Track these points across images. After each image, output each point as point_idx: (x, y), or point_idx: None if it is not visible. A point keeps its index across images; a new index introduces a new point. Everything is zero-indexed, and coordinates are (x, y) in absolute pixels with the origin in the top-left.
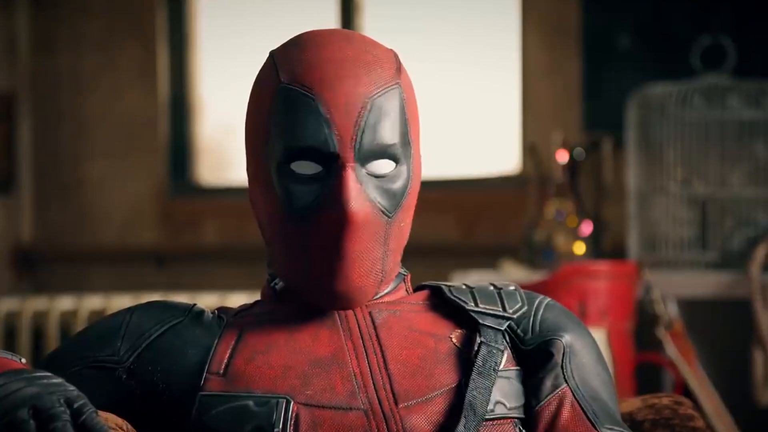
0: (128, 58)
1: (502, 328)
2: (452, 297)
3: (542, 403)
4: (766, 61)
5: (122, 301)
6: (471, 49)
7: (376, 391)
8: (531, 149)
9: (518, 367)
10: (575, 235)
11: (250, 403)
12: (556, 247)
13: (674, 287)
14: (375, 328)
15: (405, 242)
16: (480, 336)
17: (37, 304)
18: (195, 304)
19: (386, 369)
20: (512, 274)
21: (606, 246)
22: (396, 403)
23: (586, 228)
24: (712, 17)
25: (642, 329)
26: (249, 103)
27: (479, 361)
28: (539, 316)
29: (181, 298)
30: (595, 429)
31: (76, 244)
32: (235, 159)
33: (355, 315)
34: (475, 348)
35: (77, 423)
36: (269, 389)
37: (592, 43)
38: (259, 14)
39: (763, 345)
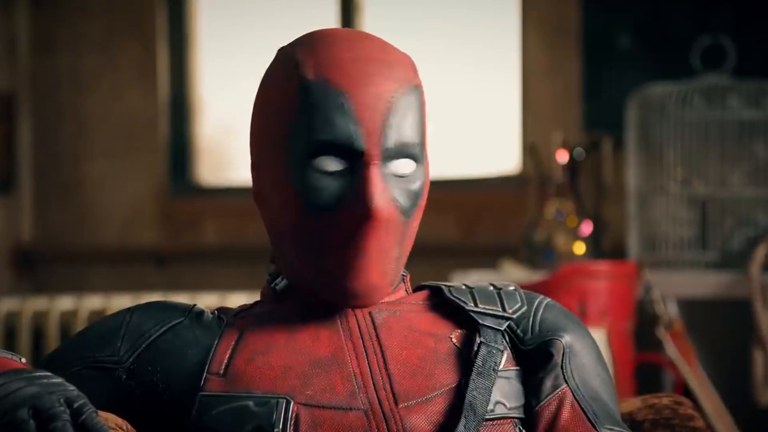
0: (128, 58)
1: (502, 329)
2: (452, 297)
3: (542, 403)
4: (766, 61)
5: (122, 301)
6: (471, 49)
7: (376, 391)
8: (531, 149)
9: (518, 367)
10: (575, 235)
11: (250, 403)
12: (556, 247)
13: (674, 287)
14: (375, 328)
15: (411, 245)
16: (480, 336)
17: (37, 304)
18: (195, 305)
19: (386, 369)
20: (512, 274)
21: (606, 246)
22: (396, 403)
23: (586, 228)
24: (712, 17)
25: (642, 329)
26: (261, 98)
27: (479, 361)
28: (539, 317)
29: (181, 298)
30: (595, 429)
31: (76, 244)
32: (235, 159)
33: (355, 315)
34: (475, 348)
35: (77, 423)
36: (269, 389)
37: (592, 43)
38: (259, 14)
39: (763, 345)
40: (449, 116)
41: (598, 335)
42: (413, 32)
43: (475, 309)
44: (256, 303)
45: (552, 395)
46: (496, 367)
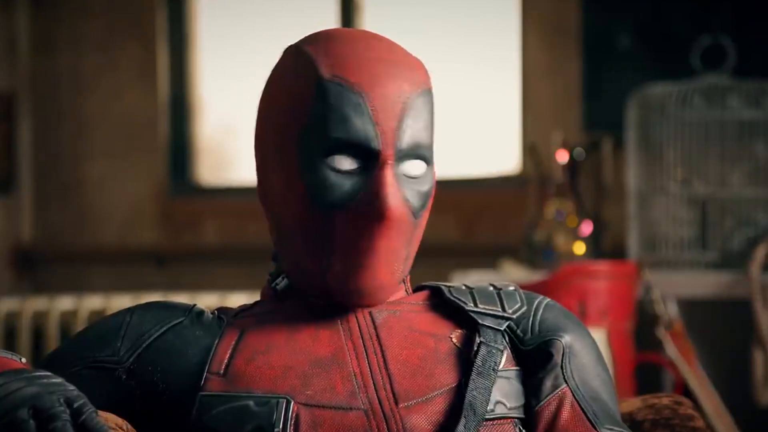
0: (128, 58)
1: (502, 329)
2: (452, 297)
3: (542, 403)
4: (766, 61)
5: (122, 301)
6: (471, 49)
7: (376, 391)
8: (531, 149)
9: (518, 368)
10: (575, 235)
11: (251, 403)
12: (556, 247)
13: (674, 287)
14: (375, 328)
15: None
16: (479, 336)
17: (37, 304)
18: (195, 305)
19: (386, 369)
20: (512, 274)
21: (606, 246)
22: (396, 403)
23: (586, 228)
24: (712, 17)
25: (642, 329)
26: (271, 96)
27: (479, 361)
28: (539, 317)
29: (181, 298)
30: (595, 429)
31: (76, 244)
32: (235, 159)
33: (355, 315)
34: (475, 348)
35: (77, 423)
36: (269, 389)
37: (592, 43)
38: (259, 14)
39: (763, 345)
40: (449, 116)
41: (598, 335)
42: (413, 32)
43: (475, 309)
44: (256, 303)
45: (552, 395)
46: (496, 367)
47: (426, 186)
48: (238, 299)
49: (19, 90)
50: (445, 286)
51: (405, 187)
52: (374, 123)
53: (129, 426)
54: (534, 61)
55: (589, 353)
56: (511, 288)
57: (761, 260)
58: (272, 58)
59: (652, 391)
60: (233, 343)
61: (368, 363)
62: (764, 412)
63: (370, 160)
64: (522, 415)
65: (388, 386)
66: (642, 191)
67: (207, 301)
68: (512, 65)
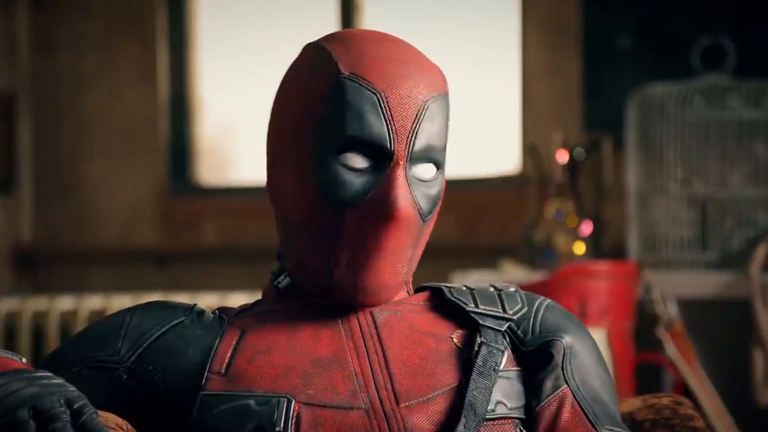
0: (128, 58)
1: (503, 329)
2: (453, 298)
3: (542, 403)
4: (766, 61)
5: (122, 301)
6: (471, 49)
7: (377, 390)
8: (531, 149)
9: (519, 368)
10: (575, 235)
11: (252, 402)
12: (556, 247)
13: (674, 287)
14: (376, 327)
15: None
16: (480, 336)
17: (37, 304)
18: (196, 304)
19: (387, 369)
20: (512, 274)
21: (606, 246)
22: (397, 403)
23: (586, 228)
24: (712, 17)
25: (642, 329)
26: (287, 90)
27: (479, 361)
28: (539, 318)
29: (181, 298)
30: (596, 430)
31: (76, 244)
32: (235, 159)
33: (356, 315)
34: (476, 348)
35: (77, 424)
36: (270, 389)
37: (592, 43)
38: (259, 14)
39: (763, 345)
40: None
41: (598, 335)
42: (413, 32)
43: (476, 310)
44: (257, 302)
45: (552, 396)
46: (496, 368)
47: (435, 190)
48: (238, 299)
49: (19, 90)
50: (446, 286)
51: (415, 189)
52: (389, 123)
53: (129, 426)
54: (534, 61)
55: (589, 354)
56: (512, 289)
57: (761, 260)
58: (272, 58)
59: (652, 391)
60: (234, 342)
61: (369, 363)
62: (764, 412)
63: (383, 159)
64: (522, 416)
65: (389, 386)
66: (642, 191)
67: (207, 301)
68: (512, 65)
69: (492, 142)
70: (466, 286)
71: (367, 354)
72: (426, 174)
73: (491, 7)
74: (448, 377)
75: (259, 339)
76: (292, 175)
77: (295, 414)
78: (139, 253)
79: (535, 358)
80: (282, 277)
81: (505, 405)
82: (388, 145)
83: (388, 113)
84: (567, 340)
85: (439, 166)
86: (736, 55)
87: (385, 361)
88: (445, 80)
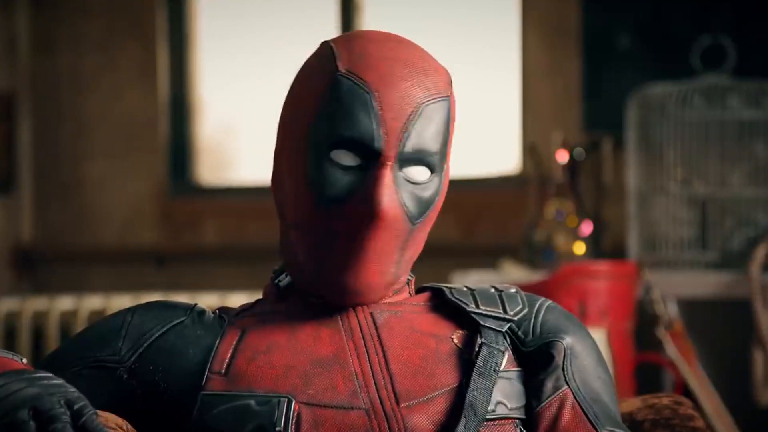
0: (128, 58)
1: (503, 330)
2: (453, 299)
3: (543, 404)
4: (766, 61)
5: (122, 301)
6: (471, 49)
7: (377, 390)
8: (531, 149)
9: (519, 369)
10: (575, 235)
11: (252, 402)
12: (556, 247)
13: (674, 287)
14: (376, 328)
15: (419, 253)
16: (481, 337)
17: (37, 304)
18: (196, 304)
19: (388, 369)
20: (512, 274)
21: (606, 246)
22: (397, 403)
23: (586, 228)
24: (712, 17)
25: (642, 329)
26: (294, 87)
27: (480, 361)
28: (540, 318)
29: (181, 298)
30: (596, 430)
31: (76, 244)
32: (235, 159)
33: (357, 315)
34: (476, 349)
35: (77, 424)
36: (271, 389)
37: (592, 43)
38: (259, 14)
39: (763, 345)
40: None
41: (598, 335)
42: (413, 32)
43: (477, 310)
44: (257, 302)
45: (553, 396)
46: (497, 368)
47: (428, 193)
48: (238, 299)
49: (19, 90)
50: (447, 287)
51: (403, 190)
52: (379, 122)
53: (129, 426)
54: (534, 61)
55: (590, 355)
56: (513, 290)
57: (761, 260)
58: (272, 58)
59: (652, 391)
60: (234, 342)
61: (369, 363)
62: (764, 412)
63: (371, 159)
64: (523, 416)
65: (389, 386)
66: (642, 191)
67: (207, 301)
68: (512, 65)
69: (492, 142)
70: (466, 287)
71: (368, 354)
72: (418, 176)
73: (491, 7)
74: (449, 377)
75: (260, 339)
76: (289, 170)
77: (295, 414)
78: (139, 253)
79: (536, 359)
80: (283, 275)
81: (506, 405)
82: (376, 144)
83: (380, 112)
84: (567, 341)
85: (433, 169)
86: (736, 55)
87: (386, 361)
88: (449, 84)
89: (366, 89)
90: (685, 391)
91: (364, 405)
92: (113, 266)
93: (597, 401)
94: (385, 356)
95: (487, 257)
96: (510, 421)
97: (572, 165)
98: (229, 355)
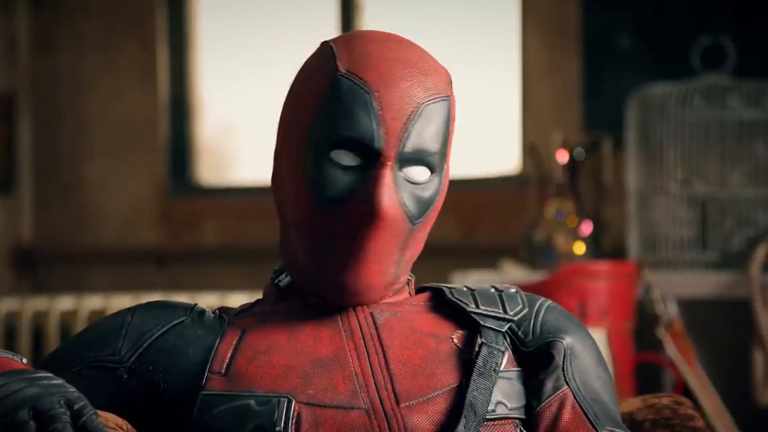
0: (128, 58)
1: (503, 330)
2: (453, 299)
3: (543, 404)
4: (766, 61)
5: (122, 301)
6: (471, 49)
7: (377, 390)
8: (531, 149)
9: (519, 369)
10: (575, 235)
11: (252, 402)
12: (556, 247)
13: (674, 287)
14: (376, 328)
15: (419, 253)
16: (481, 337)
17: (37, 304)
18: (196, 304)
19: (387, 369)
20: (512, 274)
21: (606, 246)
22: (397, 403)
23: (586, 228)
24: (712, 17)
25: (642, 329)
26: (294, 87)
27: (480, 361)
28: (540, 318)
29: (181, 298)
30: (596, 430)
31: (76, 244)
32: (235, 159)
33: (357, 315)
34: (476, 349)
35: (77, 424)
36: (271, 389)
37: (592, 43)
38: (259, 14)
39: (763, 345)
40: None
41: (598, 335)
42: (413, 32)
43: (477, 310)
44: (257, 302)
45: (553, 396)
46: (497, 368)
47: (428, 193)
48: (238, 299)
49: (19, 90)
50: (447, 287)
51: (403, 190)
52: (379, 123)
53: (129, 426)
54: (534, 61)
55: (590, 355)
56: (513, 290)
57: (761, 260)
58: (272, 58)
59: (652, 391)
60: (234, 342)
61: (369, 363)
62: (764, 412)
63: (371, 159)
64: (523, 416)
65: (389, 386)
66: (642, 191)
67: (207, 301)
68: (512, 65)
69: (492, 142)
70: (466, 287)
71: (368, 354)
72: (418, 176)
73: (491, 7)
74: (449, 377)
75: (260, 339)
76: (289, 170)
77: (295, 414)
78: (139, 253)
79: (536, 359)
80: (283, 275)
81: (506, 405)
82: (376, 145)
83: (379, 113)
84: (567, 341)
85: (433, 169)
86: (736, 55)
87: (386, 361)
88: (449, 84)
89: (366, 89)
90: (685, 391)
91: (364, 405)
92: (113, 266)
93: (597, 401)
94: (385, 356)
95: (487, 257)
96: (510, 421)
97: (572, 165)
98: (229, 355)
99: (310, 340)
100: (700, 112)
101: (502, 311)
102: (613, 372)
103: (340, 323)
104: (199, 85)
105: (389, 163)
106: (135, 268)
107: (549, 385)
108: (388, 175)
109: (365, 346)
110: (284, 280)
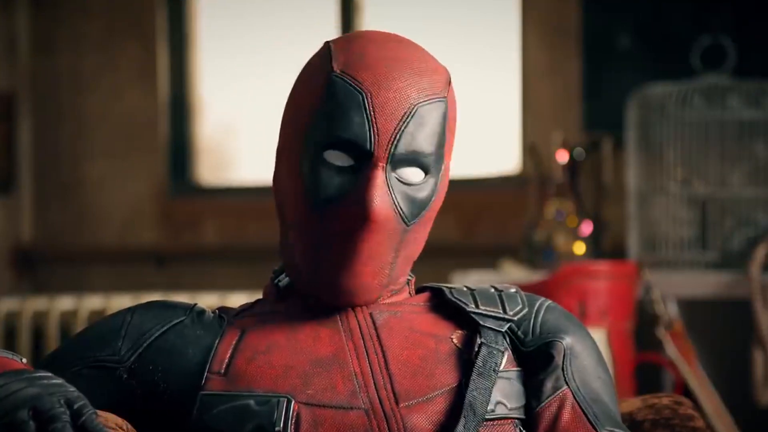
0: (128, 58)
1: (503, 330)
2: (453, 298)
3: (543, 404)
4: (766, 61)
5: (122, 301)
6: (471, 49)
7: (377, 390)
8: (531, 149)
9: (519, 369)
10: (575, 235)
11: (251, 402)
12: (556, 247)
13: (674, 287)
14: (376, 328)
15: (417, 254)
16: (480, 337)
17: (37, 304)
18: (196, 304)
19: (387, 369)
20: (512, 274)
21: (606, 246)
22: (397, 403)
23: (586, 228)
24: (712, 17)
25: (642, 329)
26: (295, 86)
27: (479, 361)
28: (540, 318)
29: (181, 298)
30: (596, 431)
31: (76, 244)
32: (235, 159)
33: (356, 315)
34: (476, 349)
35: (77, 424)
36: (270, 389)
37: (592, 43)
38: (259, 14)
39: (763, 345)
40: None
41: (598, 335)
42: (413, 32)
43: (476, 310)
44: (257, 302)
45: (552, 396)
46: (496, 368)
47: (423, 194)
48: (238, 299)
49: (19, 90)
50: (446, 287)
51: (396, 191)
52: (371, 123)
53: (129, 426)
54: (534, 61)
55: (589, 355)
56: (512, 290)
57: (761, 260)
58: (272, 58)
59: (652, 391)
60: (234, 342)
61: (369, 363)
62: (764, 412)
63: (363, 160)
64: (522, 416)
65: (388, 386)
66: (642, 191)
67: (207, 301)
68: (512, 65)
69: (492, 142)
70: (466, 287)
71: (367, 354)
72: (412, 177)
73: (491, 7)
74: (448, 377)
75: (259, 339)
76: (287, 170)
77: (294, 414)
78: (139, 253)
79: (536, 359)
80: (283, 275)
81: (505, 405)
82: (368, 146)
83: (372, 113)
84: (567, 341)
85: (427, 170)
86: (736, 55)
87: (385, 361)
88: (447, 84)
89: (359, 90)
90: (685, 391)
91: (364, 405)
92: (113, 266)
93: (597, 401)
94: (384, 356)
95: (487, 257)
96: (509, 421)
97: (572, 165)
98: (228, 355)
99: (310, 340)
100: (700, 112)
101: (501, 311)
102: (613, 372)
103: (340, 323)
104: (199, 85)
105: (381, 164)
106: (135, 268)
107: (549, 385)
108: (379, 177)
109: (365, 347)
110: (284, 280)
